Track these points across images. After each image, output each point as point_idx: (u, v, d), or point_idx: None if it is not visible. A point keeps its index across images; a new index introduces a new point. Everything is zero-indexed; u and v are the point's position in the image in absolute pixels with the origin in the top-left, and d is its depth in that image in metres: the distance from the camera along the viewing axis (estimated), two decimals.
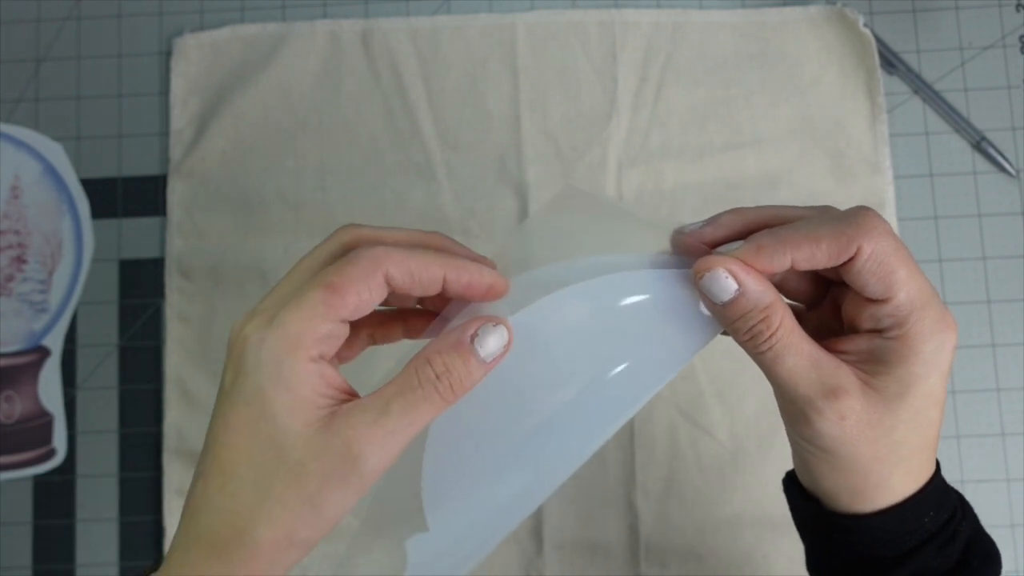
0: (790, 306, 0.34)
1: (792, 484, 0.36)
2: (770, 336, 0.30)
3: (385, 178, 0.60)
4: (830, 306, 0.34)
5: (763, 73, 0.60)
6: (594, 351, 0.32)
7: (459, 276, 0.30)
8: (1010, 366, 0.58)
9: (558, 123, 0.60)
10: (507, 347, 0.30)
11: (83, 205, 0.61)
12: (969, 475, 0.57)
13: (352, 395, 0.30)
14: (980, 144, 0.59)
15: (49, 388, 0.60)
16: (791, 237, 0.30)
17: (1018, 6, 0.61)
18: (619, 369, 0.32)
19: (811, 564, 0.37)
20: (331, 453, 0.28)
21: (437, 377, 0.29)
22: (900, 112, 0.60)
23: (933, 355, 0.30)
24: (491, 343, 0.30)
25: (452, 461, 0.32)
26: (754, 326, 0.30)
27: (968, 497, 0.56)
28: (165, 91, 0.62)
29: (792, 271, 0.32)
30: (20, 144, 0.62)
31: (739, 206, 0.33)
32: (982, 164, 0.60)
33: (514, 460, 0.32)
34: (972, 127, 0.59)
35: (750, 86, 0.60)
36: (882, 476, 0.32)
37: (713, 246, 0.32)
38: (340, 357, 0.33)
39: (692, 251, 0.32)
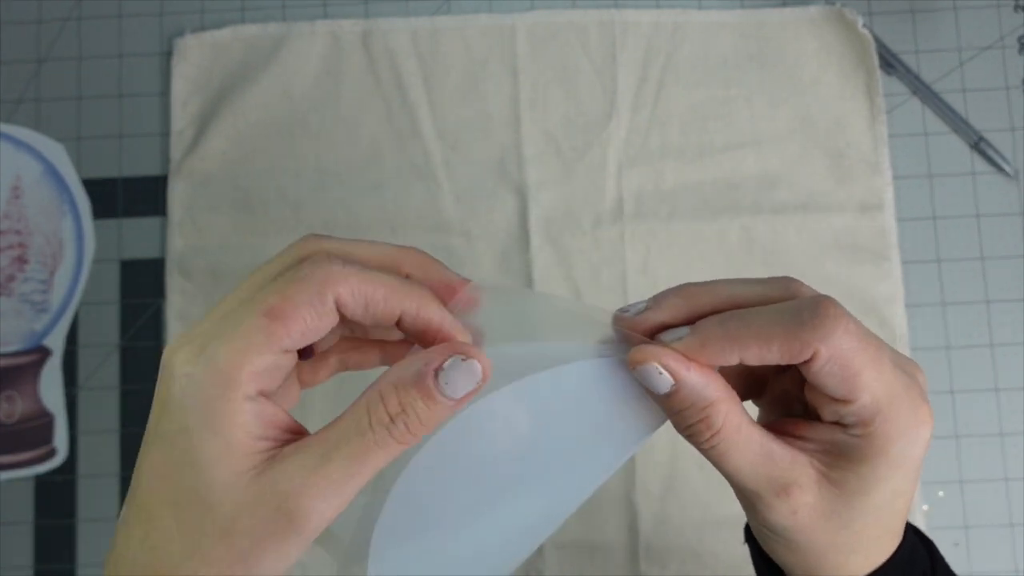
0: (755, 373, 0.32)
1: (752, 540, 0.34)
2: (711, 436, 0.28)
3: (385, 178, 0.60)
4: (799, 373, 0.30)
5: (763, 73, 0.61)
6: (547, 440, 0.30)
7: (424, 316, 0.27)
8: (1010, 366, 0.58)
9: (558, 123, 0.60)
10: (481, 384, 0.26)
11: (84, 205, 0.61)
12: (969, 475, 0.57)
13: (299, 433, 0.26)
14: (979, 144, 0.59)
15: (50, 388, 0.60)
16: (740, 334, 0.27)
17: (1016, 7, 0.61)
18: (570, 458, 0.30)
19: None
20: (264, 507, 0.24)
21: (392, 419, 0.25)
22: (899, 112, 0.60)
23: (900, 454, 0.28)
24: (460, 382, 0.25)
25: (409, 516, 0.29)
26: (693, 424, 0.28)
27: (968, 497, 0.56)
28: (165, 91, 0.62)
29: None
30: (21, 144, 0.62)
31: (689, 283, 0.30)
32: (981, 165, 0.60)
33: (473, 530, 0.30)
34: (971, 127, 0.59)
35: (750, 86, 0.60)
36: (838, 561, 0.30)
37: (655, 331, 0.29)
38: (302, 382, 0.30)
39: (634, 339, 0.29)
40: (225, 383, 0.24)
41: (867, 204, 0.59)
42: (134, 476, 0.26)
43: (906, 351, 0.57)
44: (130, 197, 0.61)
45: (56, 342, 0.60)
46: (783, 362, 0.27)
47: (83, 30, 0.63)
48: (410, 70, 0.61)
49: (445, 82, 0.61)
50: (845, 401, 0.27)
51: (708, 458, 0.29)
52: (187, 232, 0.60)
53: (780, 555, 0.31)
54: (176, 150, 0.61)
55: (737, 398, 0.29)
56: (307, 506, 0.24)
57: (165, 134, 0.61)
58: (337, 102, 0.61)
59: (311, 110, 0.61)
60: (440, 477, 0.28)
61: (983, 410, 0.57)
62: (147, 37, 0.63)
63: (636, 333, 0.29)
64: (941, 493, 0.57)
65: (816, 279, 0.58)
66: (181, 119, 0.61)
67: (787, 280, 0.29)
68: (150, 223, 0.61)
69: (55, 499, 0.59)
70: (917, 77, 0.60)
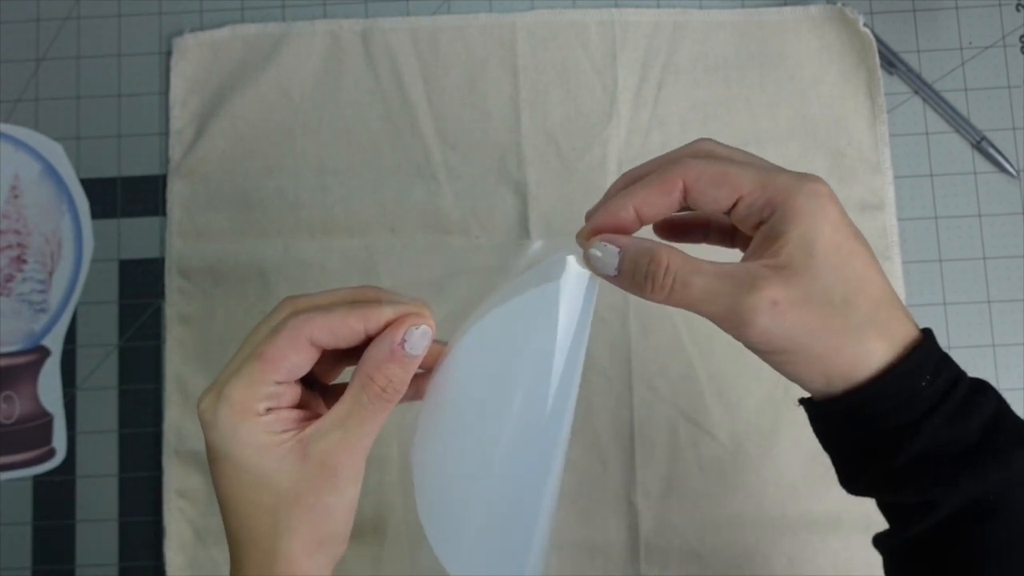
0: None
1: (806, 401, 0.36)
2: (666, 272, 0.32)
3: (385, 178, 0.60)
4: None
5: (763, 73, 0.60)
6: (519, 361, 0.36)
7: (378, 320, 0.34)
8: (1010, 366, 0.58)
9: (558, 123, 0.60)
10: (432, 336, 0.35)
11: (83, 205, 0.61)
12: None
13: (309, 415, 0.35)
14: (980, 144, 0.59)
15: (49, 388, 0.60)
16: (630, 190, 0.34)
17: (1018, 6, 0.61)
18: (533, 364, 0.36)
19: (842, 477, 0.35)
20: (313, 472, 0.34)
21: (383, 389, 0.34)
22: (900, 112, 0.60)
23: (809, 205, 0.32)
24: (419, 342, 0.34)
25: (440, 477, 0.37)
26: (647, 271, 0.32)
27: None
28: (165, 91, 0.62)
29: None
30: (20, 144, 0.62)
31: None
32: (982, 164, 0.60)
33: (496, 462, 0.36)
34: (972, 127, 0.59)
35: (750, 86, 0.60)
36: (853, 344, 0.31)
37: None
38: (327, 379, 0.38)
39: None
40: (240, 412, 0.33)
41: (868, 204, 0.59)
42: (213, 484, 0.35)
43: None
44: (129, 197, 0.61)
45: (55, 342, 0.60)
46: (665, 199, 0.33)
47: (82, 29, 0.63)
48: (410, 70, 0.61)
49: (445, 82, 0.61)
50: (740, 200, 0.33)
51: (675, 301, 0.33)
52: (186, 232, 0.60)
53: (810, 375, 0.32)
54: (175, 150, 0.61)
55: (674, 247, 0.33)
56: (341, 462, 0.34)
57: (164, 134, 0.61)
58: (337, 102, 0.61)
59: (311, 110, 0.61)
60: (450, 401, 0.37)
61: None
62: (146, 36, 0.63)
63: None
64: None
65: None
66: (180, 119, 0.61)
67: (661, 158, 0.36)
68: (149, 223, 0.61)
69: (54, 499, 0.59)
70: (918, 76, 0.60)
